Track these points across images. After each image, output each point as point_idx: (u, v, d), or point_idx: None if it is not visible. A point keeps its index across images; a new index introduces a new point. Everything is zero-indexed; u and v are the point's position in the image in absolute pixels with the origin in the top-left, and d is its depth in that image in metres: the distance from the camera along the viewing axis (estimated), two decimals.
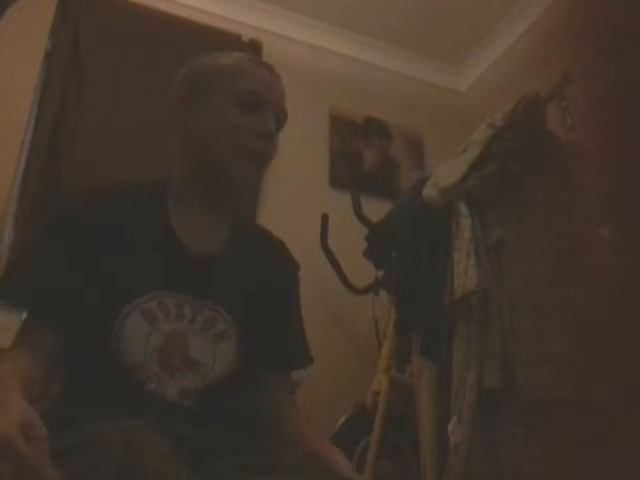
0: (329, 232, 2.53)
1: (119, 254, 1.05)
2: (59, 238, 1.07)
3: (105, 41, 2.76)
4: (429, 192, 2.05)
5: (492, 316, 1.83)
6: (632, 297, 0.55)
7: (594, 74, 0.62)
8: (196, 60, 1.20)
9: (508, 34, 3.31)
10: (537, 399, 1.70)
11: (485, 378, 1.78)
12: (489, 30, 3.36)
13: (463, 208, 1.96)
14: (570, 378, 1.41)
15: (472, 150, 2.02)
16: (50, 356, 1.00)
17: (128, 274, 1.03)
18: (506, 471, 1.71)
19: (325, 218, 2.52)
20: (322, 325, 2.62)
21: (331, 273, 2.55)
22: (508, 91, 2.29)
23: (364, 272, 2.46)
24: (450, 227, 1.97)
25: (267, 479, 0.89)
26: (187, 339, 1.03)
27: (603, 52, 0.62)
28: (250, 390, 1.11)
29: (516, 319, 1.81)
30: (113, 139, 2.67)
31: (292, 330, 1.21)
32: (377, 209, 2.43)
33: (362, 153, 3.24)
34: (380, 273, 2.41)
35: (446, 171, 2.04)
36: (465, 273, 1.85)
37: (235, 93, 1.09)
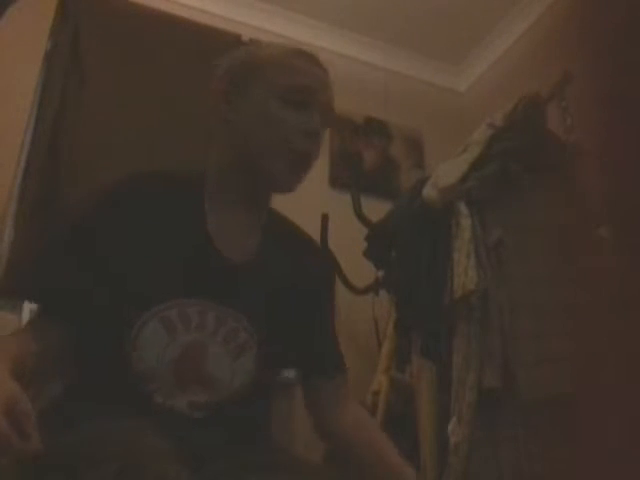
0: (329, 232, 2.53)
1: (142, 255, 0.98)
2: (73, 234, 1.02)
3: (105, 41, 2.76)
4: (429, 192, 2.05)
5: (492, 316, 1.83)
6: (632, 297, 0.55)
7: (594, 74, 0.62)
8: (238, 51, 1.11)
9: (508, 34, 3.31)
10: (537, 399, 1.70)
11: (485, 378, 1.78)
12: (489, 30, 3.36)
13: (463, 208, 1.96)
14: (570, 378, 1.41)
15: (472, 150, 2.02)
16: (50, 350, 0.96)
17: (151, 278, 0.97)
18: (506, 471, 1.71)
19: (325, 218, 2.52)
20: None
21: None
22: (508, 91, 2.29)
23: (364, 272, 2.46)
24: (450, 227, 1.97)
25: (266, 479, 0.89)
26: (206, 352, 0.98)
27: (603, 52, 0.62)
28: (265, 400, 1.08)
29: (516, 319, 1.81)
30: (113, 139, 2.66)
31: (322, 332, 1.15)
32: (377, 209, 2.43)
33: (362, 153, 3.24)
34: (380, 273, 2.41)
35: (446, 171, 2.04)
36: (465, 273, 1.85)
37: (280, 87, 1.03)
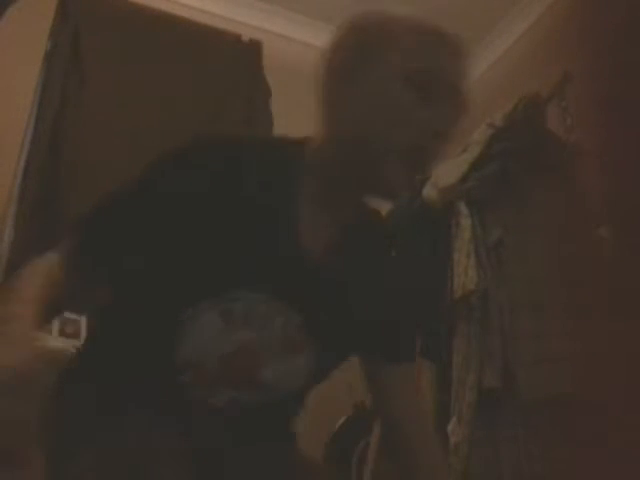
0: None
1: (215, 234, 0.85)
2: (142, 193, 0.90)
3: (105, 41, 2.76)
4: (429, 192, 2.05)
5: (492, 316, 1.83)
6: (632, 297, 0.55)
7: (594, 74, 0.62)
8: (360, 19, 0.90)
9: (508, 34, 3.31)
10: (537, 399, 1.70)
11: (485, 378, 1.78)
12: (489, 30, 3.36)
13: (463, 208, 1.96)
14: (570, 378, 1.41)
15: (472, 150, 2.02)
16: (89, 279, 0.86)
17: (221, 264, 0.84)
18: (506, 471, 1.71)
19: None
20: None
21: None
22: (508, 91, 2.29)
23: None
24: (450, 227, 1.97)
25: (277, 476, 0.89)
26: (262, 354, 0.88)
27: (603, 52, 0.62)
28: (301, 401, 1.03)
29: (516, 319, 1.81)
30: (113, 139, 2.66)
31: (394, 323, 1.05)
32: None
33: None
34: None
35: (446, 171, 2.04)
36: (465, 273, 1.85)
37: (405, 70, 0.84)
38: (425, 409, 1.14)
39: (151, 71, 2.80)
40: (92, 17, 2.76)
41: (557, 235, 1.82)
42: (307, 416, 1.18)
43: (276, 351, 0.88)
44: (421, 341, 2.05)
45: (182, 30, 2.93)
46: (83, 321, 2.19)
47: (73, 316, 2.19)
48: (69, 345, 2.12)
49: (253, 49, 3.04)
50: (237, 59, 3.01)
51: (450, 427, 1.80)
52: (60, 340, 2.31)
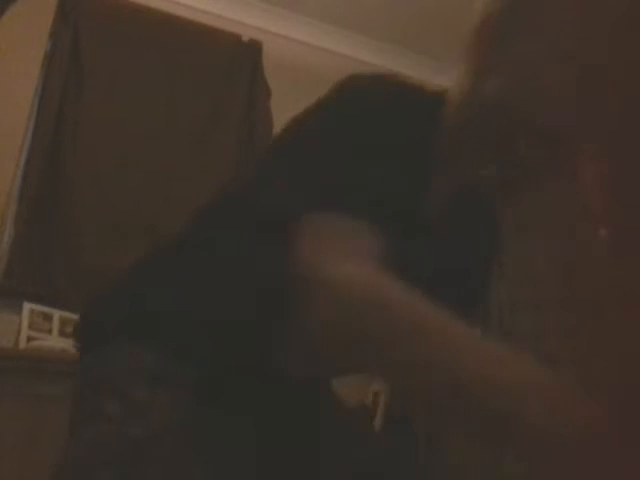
0: None
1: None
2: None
3: (105, 41, 2.76)
4: None
5: (492, 316, 1.83)
6: (631, 297, 0.55)
7: (594, 74, 0.62)
8: None
9: None
10: None
11: None
12: None
13: None
14: (569, 378, 1.41)
15: None
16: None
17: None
18: (505, 471, 1.72)
19: None
20: None
21: None
22: None
23: None
24: None
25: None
26: None
27: (603, 52, 0.62)
28: None
29: (516, 319, 1.81)
30: (113, 139, 2.67)
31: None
32: None
33: None
34: None
35: None
36: None
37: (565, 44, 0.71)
38: None
39: (151, 71, 2.81)
40: (92, 17, 2.77)
41: (557, 235, 1.82)
42: None
43: None
44: None
45: (182, 30, 2.93)
46: None
47: (73, 316, 2.19)
48: (69, 345, 2.12)
49: (253, 49, 3.05)
50: (237, 59, 3.01)
51: None
52: (60, 340, 2.31)
